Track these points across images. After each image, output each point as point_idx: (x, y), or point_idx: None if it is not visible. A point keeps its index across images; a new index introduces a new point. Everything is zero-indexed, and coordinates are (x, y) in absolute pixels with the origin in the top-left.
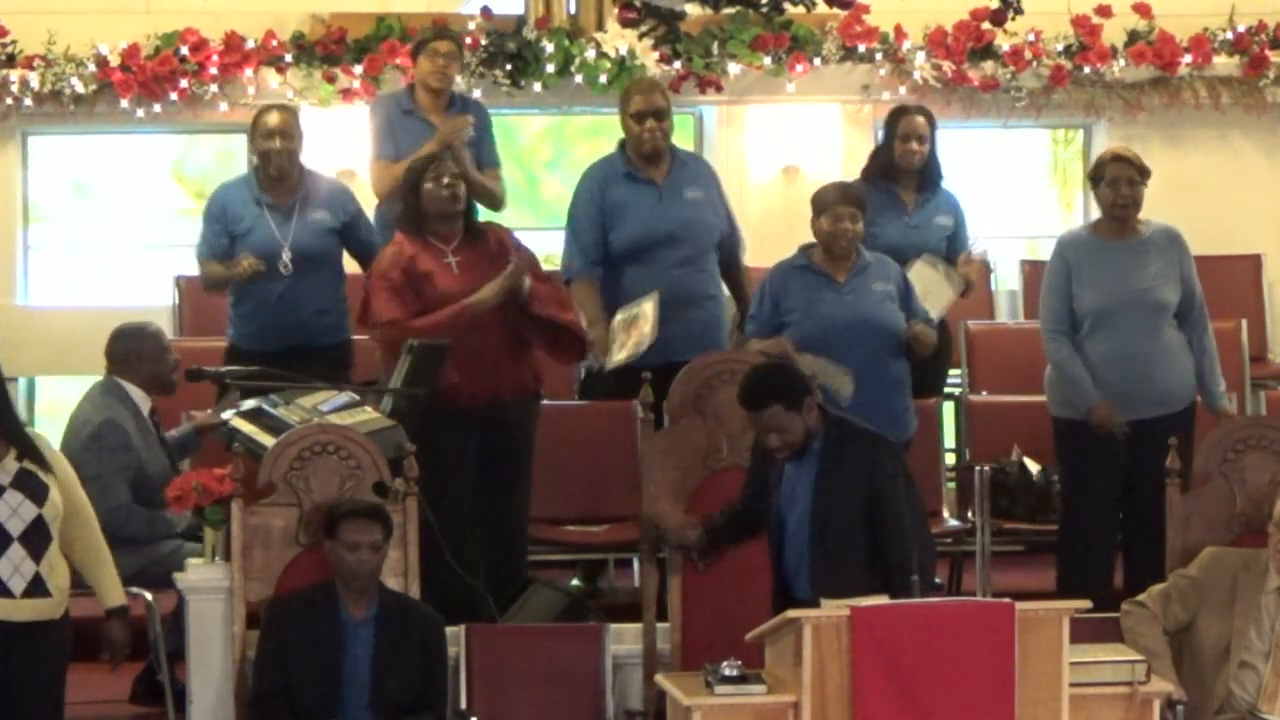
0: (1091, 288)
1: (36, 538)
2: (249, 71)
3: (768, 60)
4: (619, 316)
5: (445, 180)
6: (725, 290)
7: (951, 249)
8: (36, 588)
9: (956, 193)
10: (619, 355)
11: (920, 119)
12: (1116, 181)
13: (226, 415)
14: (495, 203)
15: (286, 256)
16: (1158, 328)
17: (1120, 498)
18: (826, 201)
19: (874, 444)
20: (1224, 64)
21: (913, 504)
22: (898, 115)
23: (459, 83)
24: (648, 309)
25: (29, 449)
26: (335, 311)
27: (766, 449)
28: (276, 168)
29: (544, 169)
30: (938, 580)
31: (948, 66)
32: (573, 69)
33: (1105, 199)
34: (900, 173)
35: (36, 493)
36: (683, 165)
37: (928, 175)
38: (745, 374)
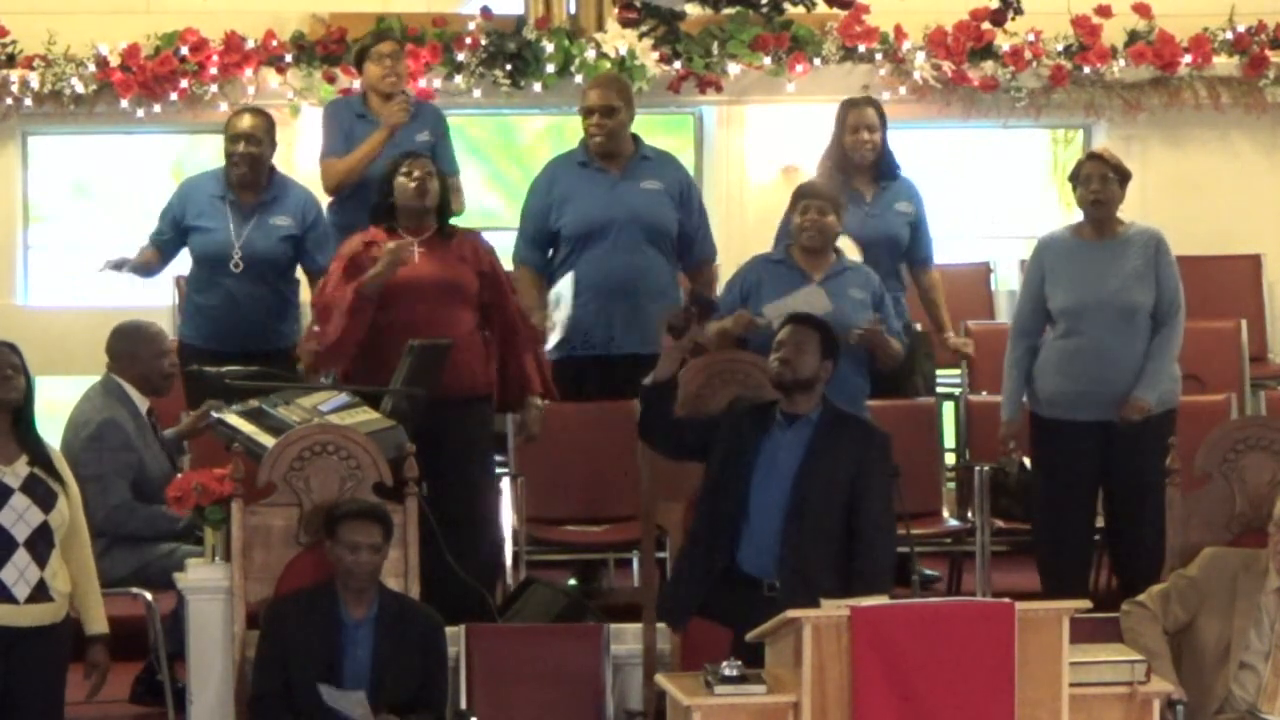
0: (1064, 287)
1: (41, 543)
2: (249, 71)
3: (768, 60)
4: (549, 296)
5: (415, 174)
6: (681, 293)
7: (914, 237)
8: (40, 593)
9: (917, 182)
10: (551, 336)
11: (870, 110)
12: (1089, 178)
13: (216, 416)
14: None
15: (237, 256)
16: (1130, 329)
17: (1093, 499)
18: (800, 195)
19: (870, 435)
20: (1224, 64)
21: (889, 506)
22: (846, 108)
23: (457, 81)
24: (566, 288)
25: (41, 456)
26: (285, 319)
27: (771, 369)
28: (239, 173)
29: None
30: (930, 572)
31: (948, 66)
32: (573, 69)
33: (1079, 197)
34: (853, 165)
35: (44, 499)
36: (645, 160)
37: (882, 165)
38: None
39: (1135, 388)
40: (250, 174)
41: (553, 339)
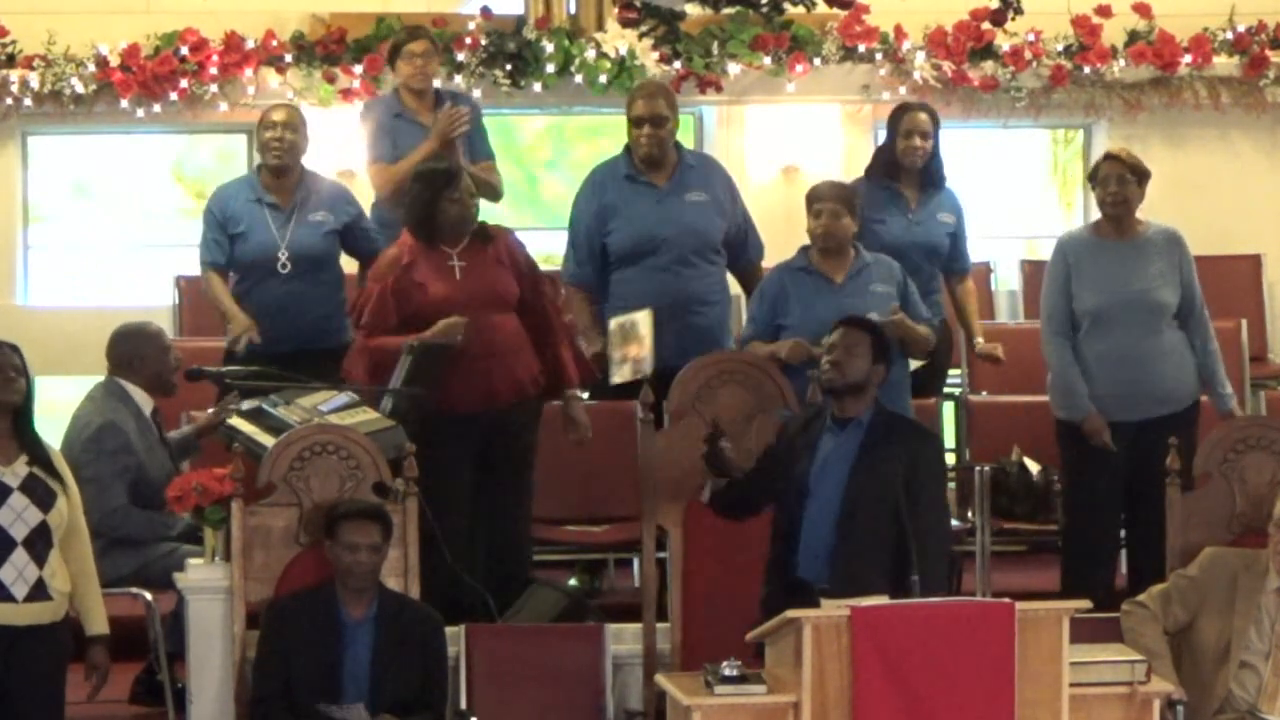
0: (1091, 288)
1: (40, 543)
2: (249, 71)
3: (768, 60)
4: (613, 325)
5: (462, 199)
6: (731, 294)
7: (954, 247)
8: (39, 592)
9: (959, 193)
10: (620, 373)
11: (923, 115)
12: (1107, 179)
13: (226, 416)
14: (494, 194)
15: (284, 257)
16: (1157, 328)
17: (1122, 498)
18: (812, 198)
19: (922, 437)
20: (1224, 64)
21: (941, 510)
22: (901, 112)
23: (458, 81)
24: (643, 328)
25: (41, 456)
26: (336, 315)
27: (819, 372)
28: (276, 156)
29: (544, 169)
30: None
31: (948, 66)
32: (573, 69)
33: (1098, 198)
34: (902, 170)
35: (43, 499)
36: (689, 168)
37: (930, 173)
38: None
39: (1217, 401)
40: (288, 160)
41: (619, 375)
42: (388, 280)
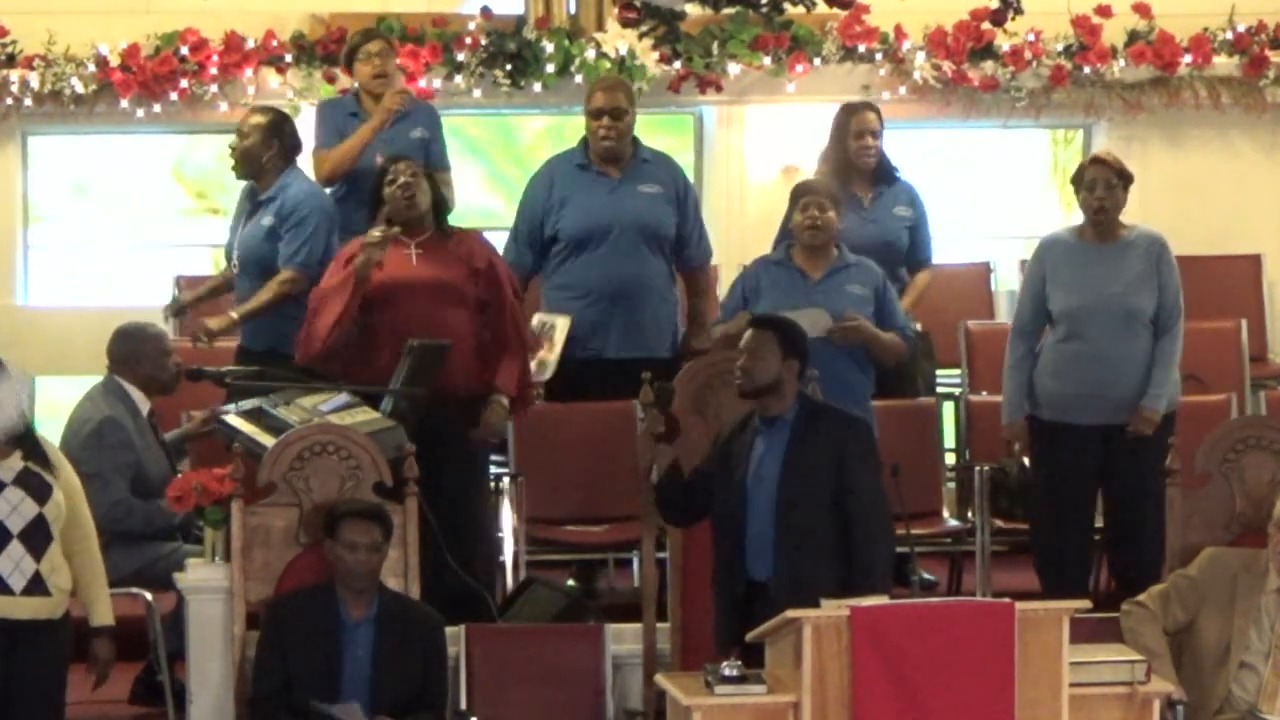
0: (1065, 289)
1: (37, 535)
2: (249, 71)
3: (768, 60)
4: (535, 321)
5: (400, 181)
6: (678, 295)
7: (914, 239)
8: (37, 586)
9: (917, 185)
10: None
11: (872, 114)
12: (1093, 184)
13: (220, 413)
14: (445, 206)
15: (235, 256)
16: (1130, 333)
17: (1092, 502)
18: (800, 193)
19: (849, 424)
20: (1224, 64)
21: (879, 492)
22: (848, 113)
23: (458, 81)
24: (559, 334)
25: (36, 451)
26: (293, 320)
27: (734, 380)
28: (232, 167)
29: None
30: (929, 576)
31: (948, 66)
32: (573, 69)
33: (1083, 202)
34: (853, 170)
35: (39, 492)
36: (644, 163)
37: (881, 169)
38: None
39: (1144, 399)
40: (239, 165)
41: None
42: (351, 249)
